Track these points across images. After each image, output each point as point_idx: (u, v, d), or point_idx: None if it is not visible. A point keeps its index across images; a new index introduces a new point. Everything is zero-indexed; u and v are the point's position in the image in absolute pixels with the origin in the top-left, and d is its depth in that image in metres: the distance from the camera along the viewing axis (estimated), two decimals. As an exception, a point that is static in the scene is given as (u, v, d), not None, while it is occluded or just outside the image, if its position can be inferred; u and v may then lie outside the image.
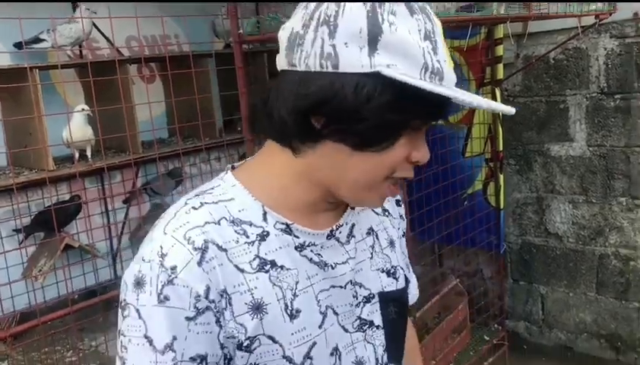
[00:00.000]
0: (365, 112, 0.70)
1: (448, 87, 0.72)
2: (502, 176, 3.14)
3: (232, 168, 0.85)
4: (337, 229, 0.84)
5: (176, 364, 0.71)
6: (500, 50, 2.96)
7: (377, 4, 0.71)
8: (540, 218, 3.45)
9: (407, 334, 0.96)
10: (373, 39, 0.70)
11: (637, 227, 3.13)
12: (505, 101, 3.36)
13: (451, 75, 0.74)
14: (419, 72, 0.71)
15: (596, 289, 3.31)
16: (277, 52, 0.78)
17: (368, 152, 0.74)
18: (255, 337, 0.75)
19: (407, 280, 0.95)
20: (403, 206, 1.01)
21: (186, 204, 0.77)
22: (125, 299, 0.73)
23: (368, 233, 0.89)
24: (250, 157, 0.86)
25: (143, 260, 0.73)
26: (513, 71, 3.27)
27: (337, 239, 0.84)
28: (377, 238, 0.91)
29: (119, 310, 0.74)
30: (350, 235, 0.86)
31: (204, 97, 3.21)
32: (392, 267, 0.91)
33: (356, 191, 0.78)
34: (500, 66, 2.99)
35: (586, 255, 3.32)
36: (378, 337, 0.87)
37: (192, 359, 0.71)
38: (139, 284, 0.72)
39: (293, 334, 0.77)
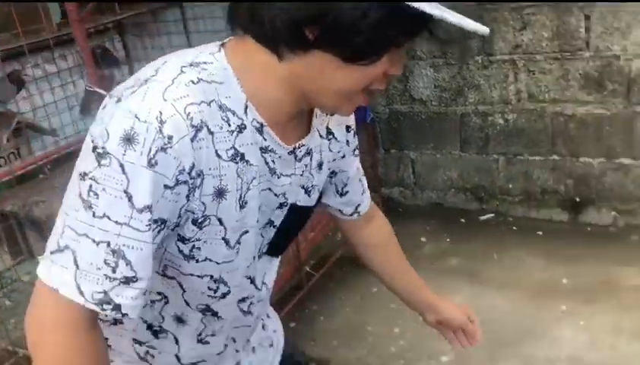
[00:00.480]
0: (361, 26, 0.73)
1: (435, 6, 0.74)
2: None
3: (223, 45, 0.84)
4: (299, 147, 0.91)
5: (150, 225, 0.75)
6: None
7: None
8: (404, 86, 3.53)
9: (380, 225, 1.25)
10: None
11: (492, 83, 3.29)
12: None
13: None
14: None
15: (460, 147, 3.51)
16: None
17: (356, 65, 0.77)
18: (209, 216, 0.82)
19: (319, 199, 1.04)
20: (353, 132, 1.06)
21: (182, 72, 0.78)
22: (104, 148, 0.73)
23: (308, 154, 0.95)
24: (233, 38, 0.85)
25: (137, 118, 0.73)
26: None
27: (295, 156, 0.91)
28: (311, 159, 0.96)
29: (89, 151, 0.74)
30: (305, 154, 0.93)
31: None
32: (312, 186, 0.98)
33: (336, 100, 0.83)
34: None
35: (449, 116, 3.47)
36: (270, 234, 0.96)
37: (156, 221, 0.76)
38: (129, 140, 0.72)
39: (237, 221, 0.85)
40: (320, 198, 1.06)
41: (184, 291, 0.90)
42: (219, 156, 0.79)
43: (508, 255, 3.08)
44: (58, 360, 0.76)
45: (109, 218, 0.73)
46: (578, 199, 3.29)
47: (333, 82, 0.80)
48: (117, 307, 0.76)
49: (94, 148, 0.74)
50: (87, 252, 0.74)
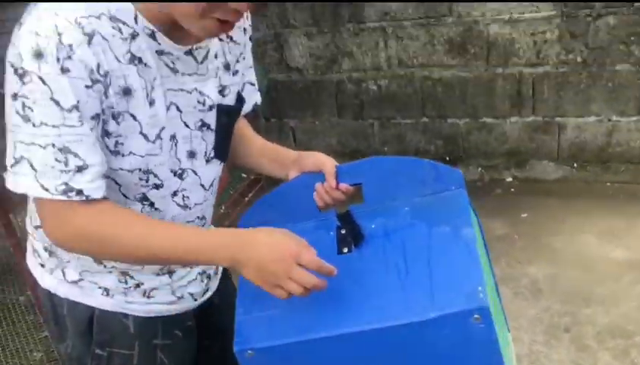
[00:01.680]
0: None
1: None
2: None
3: None
4: (196, 49, 1.00)
5: (81, 121, 0.87)
6: None
7: None
8: (280, 55, 3.53)
9: (240, 127, 1.24)
10: None
11: (364, 50, 3.38)
12: None
13: None
14: None
15: (337, 113, 3.59)
16: None
17: None
18: (122, 112, 0.93)
19: (239, 99, 1.13)
20: (249, 35, 1.16)
21: None
22: (23, 68, 0.85)
23: (215, 57, 1.05)
24: None
25: (38, 34, 0.84)
26: None
27: (194, 57, 1.00)
28: (218, 62, 1.06)
29: (11, 75, 0.85)
30: (205, 57, 1.02)
31: None
32: (222, 86, 1.08)
33: (186, 22, 0.89)
34: None
35: (325, 84, 3.54)
36: (210, 137, 1.07)
37: (92, 117, 0.89)
38: (39, 55, 0.84)
39: (150, 117, 0.96)
40: (242, 101, 1.15)
41: (120, 186, 0.99)
42: (118, 60, 0.91)
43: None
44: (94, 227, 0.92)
45: (46, 125, 0.86)
46: (447, 158, 3.49)
47: (174, 6, 0.89)
48: (80, 192, 0.89)
49: (15, 71, 0.85)
50: (38, 156, 0.87)
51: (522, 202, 3.18)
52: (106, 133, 0.93)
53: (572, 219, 2.94)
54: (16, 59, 0.85)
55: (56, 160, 0.88)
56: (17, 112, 0.87)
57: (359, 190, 1.11)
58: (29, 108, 0.86)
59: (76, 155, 0.88)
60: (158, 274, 1.10)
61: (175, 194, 1.05)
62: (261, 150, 1.26)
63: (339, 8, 3.30)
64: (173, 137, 1.01)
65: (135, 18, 0.92)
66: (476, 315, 0.87)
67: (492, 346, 0.90)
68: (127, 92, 0.93)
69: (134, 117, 0.95)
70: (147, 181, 1.00)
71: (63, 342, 1.12)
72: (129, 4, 0.91)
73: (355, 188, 1.11)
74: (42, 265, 1.11)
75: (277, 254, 0.89)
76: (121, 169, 0.97)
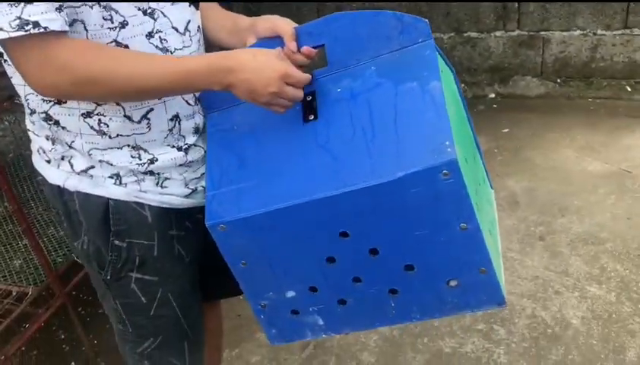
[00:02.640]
0: None
1: None
2: None
3: None
4: None
5: None
6: None
7: None
8: None
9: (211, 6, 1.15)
10: None
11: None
12: None
13: None
14: None
15: None
16: None
17: None
18: None
19: None
20: None
21: None
22: None
23: None
24: None
25: None
26: None
27: None
28: None
29: None
30: None
31: None
32: None
33: None
34: None
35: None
36: None
37: None
38: None
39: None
40: None
41: (87, 32, 0.94)
42: None
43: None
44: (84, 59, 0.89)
45: None
46: (431, 74, 3.45)
47: None
48: (36, 24, 0.84)
49: None
50: None
51: (504, 118, 3.18)
52: None
53: (552, 134, 2.95)
54: None
55: None
56: None
57: (322, 52, 1.04)
58: None
59: None
60: (172, 147, 1.06)
61: (150, 35, 0.99)
62: (219, 24, 1.18)
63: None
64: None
65: None
66: (444, 171, 0.85)
67: (464, 201, 0.87)
68: None
69: None
70: (111, 21, 0.95)
71: (78, 239, 1.09)
72: None
73: (317, 50, 1.04)
74: (48, 161, 1.06)
75: (265, 78, 0.93)
76: (84, 4, 0.91)
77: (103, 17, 0.94)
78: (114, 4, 0.94)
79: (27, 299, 1.79)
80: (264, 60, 0.95)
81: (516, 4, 3.12)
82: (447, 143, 0.86)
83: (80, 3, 0.91)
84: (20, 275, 1.92)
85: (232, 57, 0.95)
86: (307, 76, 0.98)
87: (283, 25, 1.06)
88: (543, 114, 3.16)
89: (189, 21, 1.05)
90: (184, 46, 1.04)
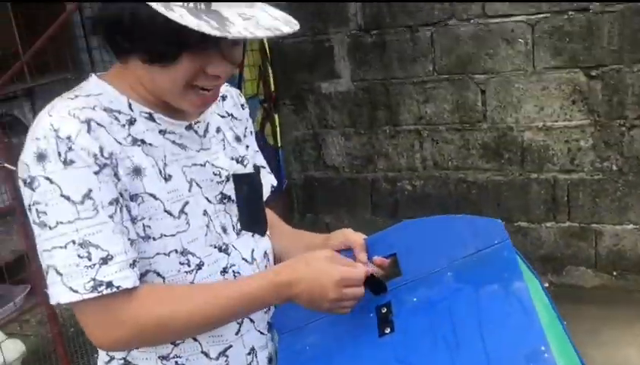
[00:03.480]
0: (141, 33, 0.84)
1: (208, 17, 0.80)
2: (277, 116, 3.24)
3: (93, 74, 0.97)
4: (196, 124, 1.00)
5: (96, 209, 0.85)
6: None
7: None
8: (318, 153, 3.65)
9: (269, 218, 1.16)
10: None
11: (400, 152, 3.46)
12: (274, 43, 3.42)
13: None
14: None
15: (371, 211, 3.63)
16: None
17: (157, 66, 0.87)
18: (138, 195, 0.91)
19: (257, 168, 1.13)
20: (247, 109, 1.17)
21: (62, 97, 0.90)
22: (30, 175, 0.85)
23: (217, 131, 1.05)
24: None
25: (37, 139, 0.84)
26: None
27: (195, 132, 1.00)
28: (225, 136, 1.07)
29: (23, 188, 0.86)
30: (206, 131, 1.02)
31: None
32: (240, 156, 1.08)
33: (170, 97, 0.92)
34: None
35: (360, 182, 3.61)
36: (233, 209, 1.04)
37: (110, 203, 0.86)
38: (42, 157, 0.83)
39: (168, 192, 0.94)
40: (259, 171, 1.13)
41: (163, 278, 0.95)
42: (119, 143, 0.90)
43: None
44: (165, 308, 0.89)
45: (62, 223, 0.84)
46: (482, 260, 3.46)
47: (153, 82, 0.91)
48: (109, 285, 0.85)
49: (24, 182, 0.85)
50: (61, 258, 0.84)
51: (560, 309, 3.08)
52: (132, 219, 0.90)
53: (613, 331, 2.84)
54: (23, 171, 0.85)
55: (79, 256, 0.84)
56: (34, 222, 0.85)
57: (395, 261, 1.02)
58: (43, 213, 0.84)
59: (97, 247, 0.84)
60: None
61: (225, 270, 1.00)
62: (295, 246, 1.20)
63: (376, 112, 3.42)
64: (206, 212, 0.99)
65: (130, 105, 0.93)
66: None
67: None
68: (137, 171, 0.91)
69: (153, 196, 0.92)
70: (188, 264, 0.95)
71: None
72: (121, 95, 0.93)
73: (390, 259, 1.02)
74: None
75: (322, 286, 0.92)
76: (158, 253, 0.93)
77: (180, 263, 0.95)
78: (191, 247, 0.95)
79: None
80: (317, 267, 0.94)
81: (565, 198, 3.19)
82: (542, 348, 0.78)
83: (154, 253, 0.92)
84: None
85: (289, 270, 0.95)
86: (362, 271, 0.96)
87: (354, 237, 1.09)
88: (600, 307, 3.07)
89: (253, 250, 1.06)
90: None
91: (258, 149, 1.18)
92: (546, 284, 3.36)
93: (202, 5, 0.81)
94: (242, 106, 1.16)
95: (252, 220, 1.07)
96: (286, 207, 3.56)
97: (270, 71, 3.17)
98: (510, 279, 0.89)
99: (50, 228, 0.84)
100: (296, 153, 3.69)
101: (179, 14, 0.78)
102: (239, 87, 3.23)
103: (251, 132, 1.17)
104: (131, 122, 0.93)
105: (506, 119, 3.20)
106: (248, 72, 3.20)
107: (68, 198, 0.83)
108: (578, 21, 2.95)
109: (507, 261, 0.91)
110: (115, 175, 0.88)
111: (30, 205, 0.86)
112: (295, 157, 3.70)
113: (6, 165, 1.98)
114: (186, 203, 0.96)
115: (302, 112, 3.60)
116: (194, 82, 0.89)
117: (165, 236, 0.93)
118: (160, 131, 0.95)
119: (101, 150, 0.86)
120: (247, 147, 1.12)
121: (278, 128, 3.29)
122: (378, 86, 3.39)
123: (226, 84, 1.08)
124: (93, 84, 0.94)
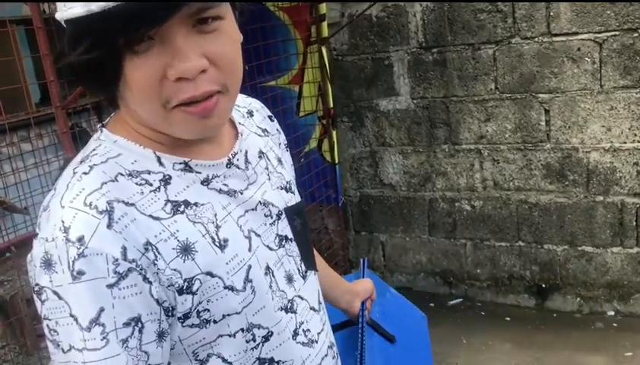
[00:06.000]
0: (70, 57, 0.69)
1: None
2: (335, 132, 3.24)
3: (103, 126, 0.81)
4: (234, 157, 0.84)
5: (106, 337, 0.69)
6: (323, 8, 3.02)
7: None
8: (374, 171, 3.63)
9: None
10: None
11: (458, 171, 3.40)
12: (334, 60, 3.44)
13: None
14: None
15: (428, 231, 3.58)
16: None
17: (112, 90, 0.73)
18: (193, 278, 0.74)
19: (301, 193, 1.00)
20: (276, 120, 1.04)
21: (75, 173, 0.74)
22: (38, 284, 0.71)
23: (260, 157, 0.91)
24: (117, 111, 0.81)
25: (46, 240, 0.70)
26: (337, 29, 3.35)
27: (237, 167, 0.84)
28: (268, 159, 0.93)
29: (35, 296, 0.72)
30: (247, 161, 0.87)
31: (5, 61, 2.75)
32: (287, 182, 0.95)
33: (161, 125, 0.75)
34: (324, 24, 3.06)
35: (417, 201, 3.56)
36: (294, 249, 0.90)
37: (126, 324, 0.70)
38: (49, 264, 0.69)
39: (227, 263, 0.78)
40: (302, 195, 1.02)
41: (229, 363, 0.81)
42: (157, 218, 0.73)
43: (477, 340, 3.09)
44: None
45: (74, 348, 0.70)
46: (543, 285, 3.35)
47: (136, 111, 0.75)
48: None
49: (33, 288, 0.72)
50: None
51: (627, 339, 2.95)
52: (182, 317, 0.75)
53: (684, 364, 2.68)
54: (32, 275, 0.72)
55: None
56: (47, 338, 0.73)
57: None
58: (54, 331, 0.71)
59: None
60: None
61: (296, 333, 0.87)
62: (335, 284, 1.20)
63: (435, 130, 3.38)
64: (268, 269, 0.84)
65: (159, 160, 0.77)
66: None
67: None
68: (186, 250, 0.74)
69: (210, 274, 0.76)
70: (254, 339, 0.82)
71: None
72: (145, 149, 0.77)
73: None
74: None
75: None
76: (221, 335, 0.79)
77: (246, 340, 0.81)
78: (256, 320, 0.81)
79: None
80: None
81: (634, 222, 3.05)
82: None
83: (215, 336, 0.78)
84: None
85: None
86: None
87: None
88: (671, 339, 2.91)
89: (317, 291, 0.95)
90: (323, 324, 0.94)
91: (292, 162, 1.06)
92: (612, 313, 3.21)
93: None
94: (270, 117, 1.03)
95: (311, 256, 0.95)
96: (341, 224, 3.55)
97: (329, 87, 3.19)
98: None
99: (64, 352, 0.71)
100: (353, 170, 3.69)
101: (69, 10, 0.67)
102: (298, 104, 3.26)
103: (286, 145, 1.05)
104: (167, 181, 0.76)
105: (571, 139, 3.10)
106: (307, 89, 3.23)
107: (76, 321, 0.69)
108: (650, 39, 2.84)
109: None
110: (145, 278, 0.71)
111: (41, 317, 0.72)
112: (351, 174, 3.70)
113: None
114: (249, 268, 0.81)
115: (360, 129, 3.59)
116: (168, 98, 0.71)
117: (227, 315, 0.78)
118: (203, 182, 0.79)
119: (124, 250, 0.69)
120: (285, 164, 0.99)
121: (335, 145, 3.29)
122: (438, 104, 3.35)
123: (247, 96, 0.99)
124: (109, 142, 0.77)
